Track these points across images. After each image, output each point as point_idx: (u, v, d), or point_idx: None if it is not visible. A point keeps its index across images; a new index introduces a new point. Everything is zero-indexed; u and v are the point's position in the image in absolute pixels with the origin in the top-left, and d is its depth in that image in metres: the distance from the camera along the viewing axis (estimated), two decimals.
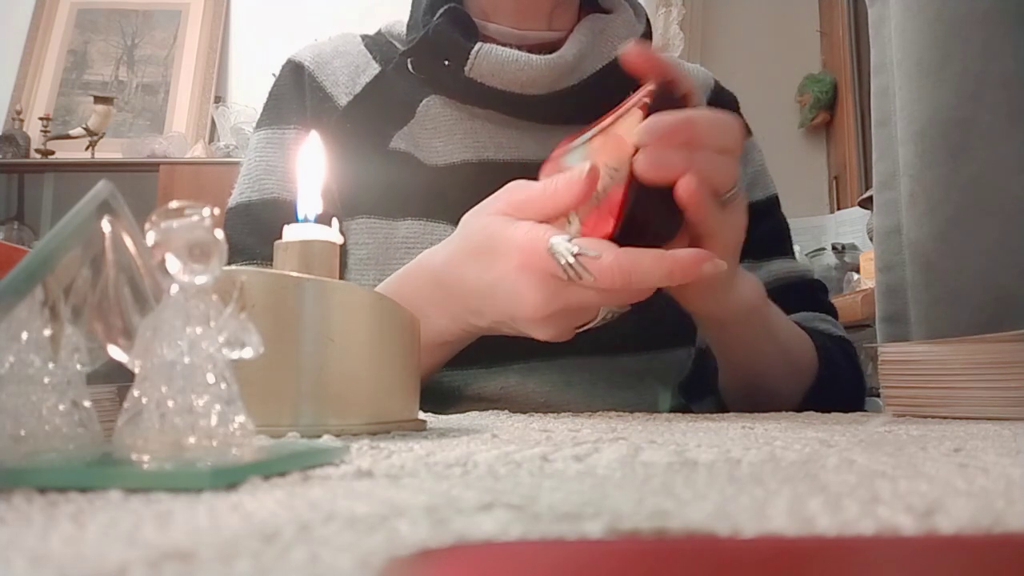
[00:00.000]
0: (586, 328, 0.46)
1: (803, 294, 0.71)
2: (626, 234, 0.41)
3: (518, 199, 0.45)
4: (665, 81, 0.44)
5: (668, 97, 0.44)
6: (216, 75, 2.65)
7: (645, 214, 0.42)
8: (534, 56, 0.65)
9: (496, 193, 0.47)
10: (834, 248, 2.15)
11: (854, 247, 2.13)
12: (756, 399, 0.60)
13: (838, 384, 0.63)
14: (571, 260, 0.40)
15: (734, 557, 0.12)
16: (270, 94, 0.74)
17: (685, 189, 0.41)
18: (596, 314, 0.45)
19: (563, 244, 0.40)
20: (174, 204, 0.21)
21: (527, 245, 0.42)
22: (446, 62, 0.65)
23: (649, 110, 0.42)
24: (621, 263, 0.39)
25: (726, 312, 0.52)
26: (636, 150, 0.42)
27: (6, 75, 2.59)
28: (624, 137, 0.43)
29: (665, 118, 0.41)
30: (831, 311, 0.72)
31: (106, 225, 0.23)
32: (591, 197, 0.42)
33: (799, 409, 0.59)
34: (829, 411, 0.50)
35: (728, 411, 0.57)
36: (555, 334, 0.45)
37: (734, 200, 0.46)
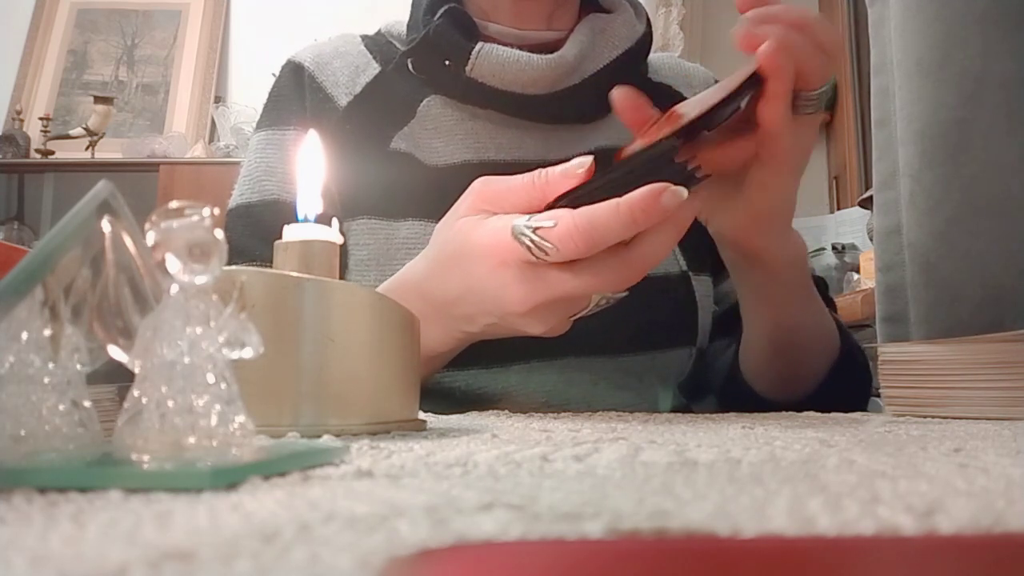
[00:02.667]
0: (580, 316, 0.45)
1: None
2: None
3: (493, 190, 0.44)
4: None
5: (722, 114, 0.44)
6: (216, 75, 2.65)
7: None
8: (535, 56, 0.65)
9: (463, 195, 0.46)
10: (834, 248, 2.15)
11: (854, 247, 2.13)
12: (783, 369, 0.59)
13: (856, 368, 0.62)
14: (533, 236, 0.39)
15: (734, 557, 0.12)
16: (270, 95, 0.74)
17: (766, 53, 0.41)
18: (588, 301, 0.44)
19: (523, 223, 0.40)
20: (174, 204, 0.21)
21: (495, 241, 0.42)
22: (447, 62, 0.65)
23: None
24: (577, 223, 0.38)
25: (781, 253, 0.52)
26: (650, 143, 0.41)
27: (6, 75, 2.59)
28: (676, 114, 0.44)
29: (770, 6, 0.43)
30: (832, 308, 0.72)
31: (106, 225, 0.23)
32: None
33: (817, 387, 0.59)
34: (830, 410, 0.50)
35: (729, 411, 0.57)
36: (549, 327, 0.44)
37: (813, 109, 0.46)
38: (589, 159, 0.42)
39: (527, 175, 0.43)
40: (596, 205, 0.39)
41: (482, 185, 0.45)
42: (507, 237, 0.40)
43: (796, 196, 0.50)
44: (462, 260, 0.45)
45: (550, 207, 0.41)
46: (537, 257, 0.40)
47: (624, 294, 0.44)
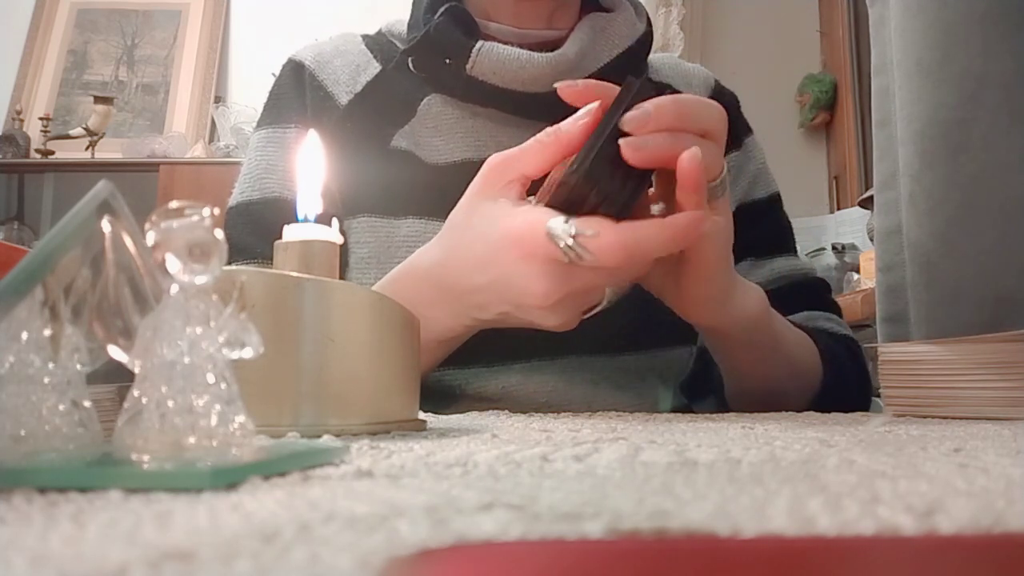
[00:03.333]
0: (594, 312, 0.45)
1: (807, 293, 0.71)
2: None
3: (502, 158, 0.45)
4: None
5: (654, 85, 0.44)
6: (216, 75, 2.65)
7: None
8: (535, 54, 0.65)
9: (474, 179, 0.47)
10: (834, 248, 2.15)
11: (854, 247, 2.13)
12: (760, 403, 0.60)
13: (844, 388, 0.62)
14: (570, 242, 0.39)
15: (734, 557, 0.12)
16: (270, 93, 0.74)
17: (688, 160, 0.41)
18: (603, 296, 0.44)
19: (561, 226, 0.40)
20: (174, 204, 0.21)
21: (526, 234, 0.42)
22: (447, 60, 0.65)
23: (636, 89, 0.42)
24: (622, 239, 0.39)
25: (728, 324, 0.51)
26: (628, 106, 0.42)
27: (6, 75, 2.59)
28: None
29: (650, 103, 0.41)
30: (835, 309, 0.72)
31: (106, 225, 0.23)
32: None
33: (801, 409, 0.59)
34: (830, 411, 0.50)
35: (729, 411, 0.57)
36: (564, 321, 0.44)
37: (721, 194, 0.45)
38: (595, 104, 0.42)
39: (533, 139, 0.44)
40: (640, 223, 0.40)
41: (491, 160, 0.46)
42: (540, 232, 0.40)
43: (731, 275, 0.50)
44: (486, 245, 0.44)
45: (561, 188, 0.41)
46: (569, 260, 0.40)
47: (630, 287, 0.44)
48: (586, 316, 0.45)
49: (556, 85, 0.44)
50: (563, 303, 0.43)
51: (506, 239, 0.43)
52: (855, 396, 0.64)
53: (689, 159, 0.40)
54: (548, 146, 0.43)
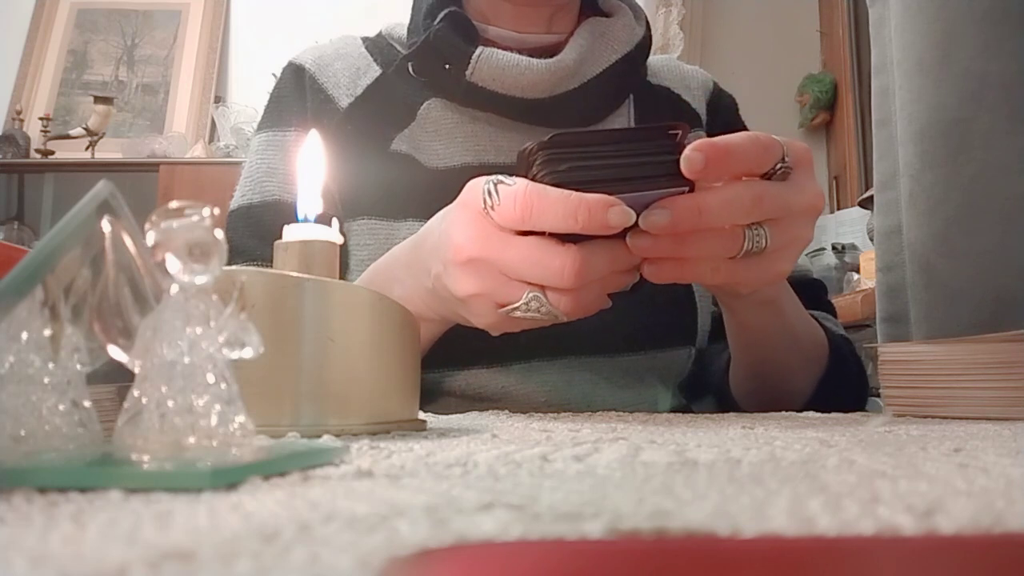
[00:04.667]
0: (513, 313, 0.42)
1: (803, 293, 0.71)
2: None
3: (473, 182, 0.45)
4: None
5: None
6: (216, 75, 2.65)
7: None
8: (535, 60, 0.65)
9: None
10: (834, 248, 2.15)
11: (854, 247, 2.13)
12: (765, 390, 0.60)
13: (847, 378, 0.62)
14: (490, 188, 0.40)
15: (734, 557, 0.12)
16: (271, 96, 0.74)
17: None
18: (520, 296, 0.41)
19: (493, 178, 0.40)
20: (174, 204, 0.21)
21: (469, 187, 0.43)
22: (447, 66, 0.65)
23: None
24: (527, 191, 0.38)
25: (746, 303, 0.52)
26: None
27: (6, 75, 2.59)
28: None
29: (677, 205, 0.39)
30: (831, 310, 0.72)
31: (106, 225, 0.23)
32: None
33: (805, 403, 0.59)
34: (830, 411, 0.50)
35: (729, 411, 0.57)
36: (488, 320, 0.44)
37: (768, 251, 0.42)
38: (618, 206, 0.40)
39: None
40: (548, 188, 0.38)
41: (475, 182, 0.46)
42: (478, 185, 0.41)
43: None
44: (440, 220, 0.46)
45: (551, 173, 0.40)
46: (485, 207, 0.40)
47: (564, 317, 0.42)
48: (510, 315, 0.43)
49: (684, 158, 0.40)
50: (477, 292, 0.42)
51: (457, 202, 0.44)
52: (855, 391, 0.64)
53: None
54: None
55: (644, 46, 0.72)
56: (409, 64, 0.69)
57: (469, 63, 0.64)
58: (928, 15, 0.60)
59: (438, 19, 0.67)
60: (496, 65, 0.64)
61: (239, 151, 2.38)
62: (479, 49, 0.64)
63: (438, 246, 0.45)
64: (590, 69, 0.67)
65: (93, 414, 0.23)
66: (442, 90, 0.68)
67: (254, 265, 0.63)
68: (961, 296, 0.58)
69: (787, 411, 0.51)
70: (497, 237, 0.40)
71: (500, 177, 0.40)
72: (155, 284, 0.22)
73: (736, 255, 0.42)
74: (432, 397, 0.61)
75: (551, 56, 0.66)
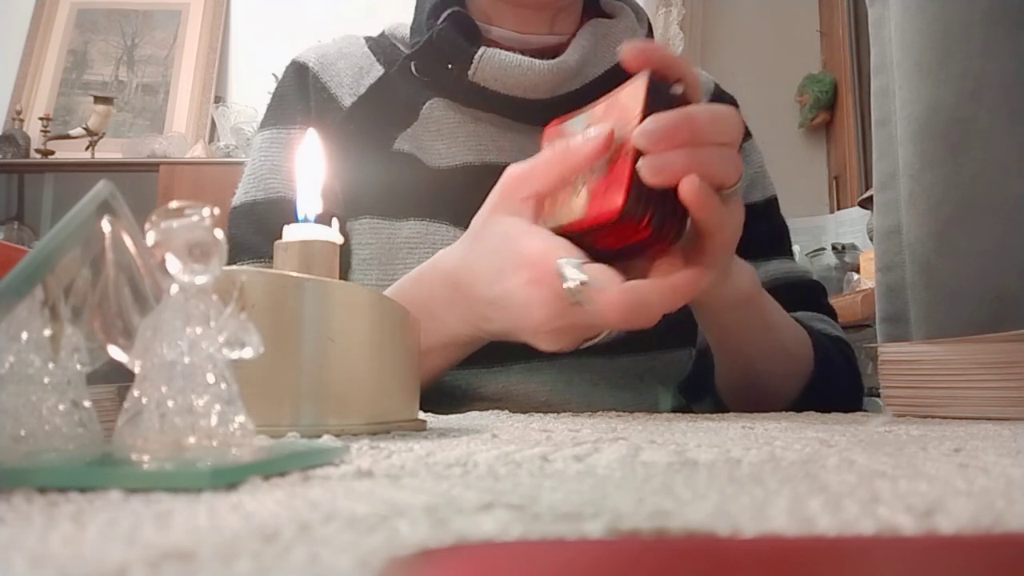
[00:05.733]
0: (592, 343, 0.45)
1: (801, 294, 0.71)
2: (634, 209, 0.41)
3: (518, 173, 0.45)
4: (662, 67, 0.43)
5: (664, 86, 0.43)
6: (216, 75, 2.65)
7: (651, 191, 0.41)
8: (537, 61, 0.65)
9: (493, 189, 0.47)
10: (834, 248, 2.15)
11: (854, 247, 2.13)
12: (751, 394, 0.60)
13: (834, 382, 0.63)
14: (577, 287, 0.39)
15: (734, 557, 0.12)
16: (274, 94, 0.74)
17: (688, 189, 0.41)
18: (601, 331, 0.44)
19: (571, 269, 0.40)
20: (174, 204, 0.21)
21: (538, 261, 0.42)
22: (449, 66, 0.66)
23: (649, 92, 0.42)
24: (625, 299, 0.39)
25: (721, 300, 0.52)
26: (642, 117, 0.41)
27: (6, 75, 2.59)
28: (628, 103, 0.43)
29: (663, 117, 0.41)
30: (830, 313, 0.72)
31: (106, 225, 0.23)
32: (596, 166, 0.42)
33: (797, 408, 0.59)
34: (829, 411, 0.50)
35: (728, 411, 0.57)
36: (560, 347, 0.45)
37: (736, 195, 0.46)
38: (607, 128, 0.42)
39: (545, 153, 0.44)
40: (645, 283, 0.40)
41: (508, 173, 0.47)
42: (551, 263, 0.41)
43: (731, 260, 0.50)
44: (501, 260, 0.45)
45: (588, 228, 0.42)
46: (572, 303, 0.40)
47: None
48: (584, 345, 0.46)
49: (619, 49, 0.44)
50: (560, 332, 0.44)
51: (518, 259, 0.44)
52: (845, 396, 0.64)
53: (688, 190, 0.41)
54: (556, 164, 0.44)
55: None
56: (412, 64, 0.69)
57: (472, 63, 0.64)
58: (928, 15, 0.60)
59: (441, 19, 0.67)
60: (498, 65, 0.64)
61: (239, 151, 2.38)
62: (481, 49, 0.64)
63: (503, 312, 0.45)
64: (592, 70, 0.67)
65: (93, 414, 0.23)
66: (444, 90, 0.68)
67: (258, 262, 0.63)
68: (961, 296, 0.58)
69: (787, 411, 0.51)
70: (580, 313, 0.42)
71: (575, 272, 0.40)
72: (155, 284, 0.22)
73: (733, 182, 0.44)
74: (432, 397, 0.61)
75: (553, 57, 0.66)
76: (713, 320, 0.56)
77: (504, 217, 0.46)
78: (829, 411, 0.50)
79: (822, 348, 0.63)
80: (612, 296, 0.39)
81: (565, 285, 0.40)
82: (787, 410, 0.53)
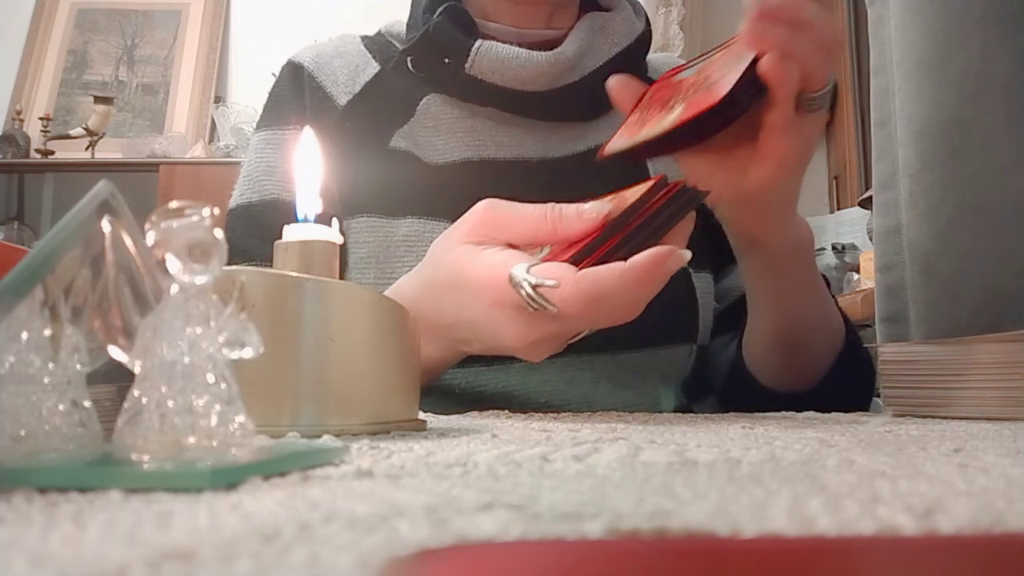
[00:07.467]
0: (580, 337, 0.44)
1: None
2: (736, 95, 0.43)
3: (497, 215, 0.44)
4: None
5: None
6: (216, 75, 2.65)
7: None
8: (534, 52, 0.65)
9: (464, 215, 0.46)
10: (834, 248, 2.15)
11: (854, 247, 2.13)
12: (790, 361, 0.59)
13: (860, 361, 0.62)
14: (531, 292, 0.38)
15: (734, 557, 0.12)
16: (270, 95, 0.74)
17: (772, 62, 0.42)
18: (580, 330, 0.43)
19: (522, 275, 0.39)
20: (174, 204, 0.21)
21: (491, 280, 0.41)
22: (446, 60, 0.65)
23: (752, 63, 0.43)
24: (582, 288, 0.38)
25: (780, 240, 0.52)
26: (739, 82, 0.43)
27: (6, 75, 2.59)
28: (731, 62, 0.45)
29: None
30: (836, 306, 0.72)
31: (106, 225, 0.23)
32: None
33: (818, 387, 0.59)
34: (840, 400, 0.50)
35: (729, 411, 0.57)
36: (545, 356, 0.44)
37: (817, 108, 0.46)
38: (606, 207, 0.41)
39: (539, 207, 0.43)
40: (601, 268, 0.38)
41: (486, 208, 0.44)
42: (503, 279, 0.40)
43: (799, 188, 0.51)
44: (456, 291, 0.44)
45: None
46: (533, 308, 0.39)
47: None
48: (572, 341, 0.44)
49: (610, 81, 0.45)
50: (539, 344, 0.43)
51: (473, 285, 0.43)
52: (865, 377, 0.63)
53: (772, 62, 0.42)
54: (549, 223, 0.42)
55: (644, 40, 0.72)
56: (408, 59, 0.68)
57: (469, 56, 0.64)
58: (928, 15, 0.60)
59: (437, 13, 0.67)
60: (496, 57, 0.64)
61: (239, 151, 2.38)
62: (478, 42, 0.64)
63: (481, 336, 0.44)
64: (590, 62, 0.67)
65: (93, 414, 0.23)
66: (441, 85, 0.68)
67: (253, 265, 0.63)
68: (961, 296, 0.58)
69: (787, 411, 0.51)
70: (549, 322, 0.40)
71: (525, 277, 0.39)
72: (155, 284, 0.22)
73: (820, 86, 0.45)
74: (432, 397, 0.61)
75: (551, 50, 0.66)
76: (769, 270, 0.55)
77: (462, 248, 0.44)
78: (841, 399, 0.50)
79: (852, 327, 0.63)
80: (566, 290, 0.38)
81: (522, 293, 0.39)
82: (789, 408, 0.53)
